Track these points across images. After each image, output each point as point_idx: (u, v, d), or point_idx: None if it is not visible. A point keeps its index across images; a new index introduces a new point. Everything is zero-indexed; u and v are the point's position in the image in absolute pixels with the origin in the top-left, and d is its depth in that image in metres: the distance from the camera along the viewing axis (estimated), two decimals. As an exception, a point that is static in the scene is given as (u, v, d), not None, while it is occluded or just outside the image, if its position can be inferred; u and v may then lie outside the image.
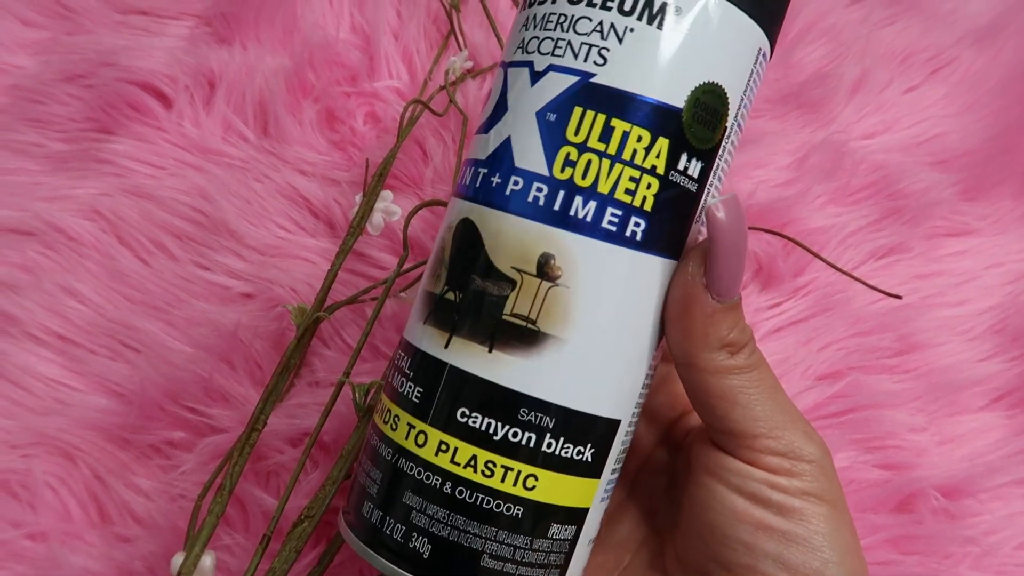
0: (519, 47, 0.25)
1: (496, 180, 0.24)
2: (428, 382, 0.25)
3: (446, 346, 0.24)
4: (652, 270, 0.24)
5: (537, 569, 0.25)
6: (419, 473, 0.24)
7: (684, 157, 0.24)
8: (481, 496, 0.24)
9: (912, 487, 0.38)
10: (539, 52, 0.24)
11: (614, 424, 0.25)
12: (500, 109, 0.25)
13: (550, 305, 0.23)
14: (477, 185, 0.25)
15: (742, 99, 0.25)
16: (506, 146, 0.24)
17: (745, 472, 0.25)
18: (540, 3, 0.25)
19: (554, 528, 0.25)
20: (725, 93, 0.24)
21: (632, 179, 0.23)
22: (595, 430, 0.25)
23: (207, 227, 0.44)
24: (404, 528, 0.24)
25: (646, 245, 0.24)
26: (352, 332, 0.42)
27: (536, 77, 0.24)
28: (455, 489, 0.24)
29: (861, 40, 0.51)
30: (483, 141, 0.26)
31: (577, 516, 0.25)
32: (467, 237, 0.25)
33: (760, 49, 0.25)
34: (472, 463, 0.24)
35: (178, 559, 0.32)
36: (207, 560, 0.32)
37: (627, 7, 0.23)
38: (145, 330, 0.41)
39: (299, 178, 0.46)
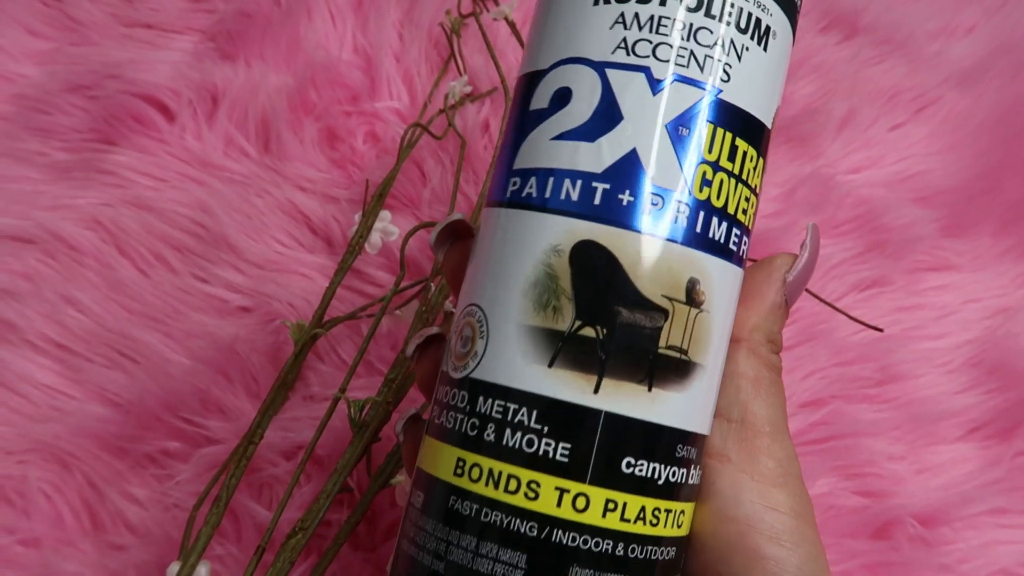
0: (621, 47, 0.23)
1: (626, 198, 0.22)
2: (577, 435, 0.22)
3: (596, 391, 0.22)
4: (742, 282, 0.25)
5: None
6: (586, 542, 0.21)
7: (763, 172, 0.25)
8: (651, 548, 0.22)
9: (889, 514, 0.39)
10: (656, 58, 0.23)
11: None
12: (607, 116, 0.22)
13: (698, 333, 0.23)
14: (596, 202, 0.22)
15: None
16: (631, 160, 0.22)
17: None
18: (640, 1, 0.23)
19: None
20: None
21: (746, 198, 0.24)
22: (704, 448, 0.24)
23: (207, 240, 0.45)
24: None
25: (745, 260, 0.25)
26: (347, 347, 0.42)
27: (657, 85, 0.22)
28: (627, 548, 0.22)
29: (849, 78, 0.52)
30: (587, 151, 0.22)
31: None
32: (598, 262, 0.22)
33: None
34: (642, 515, 0.22)
35: (174, 568, 0.32)
36: (203, 570, 0.32)
37: (743, 24, 0.23)
38: (143, 341, 0.42)
39: (299, 194, 0.46)
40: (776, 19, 0.24)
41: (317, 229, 0.46)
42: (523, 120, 0.24)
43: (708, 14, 0.23)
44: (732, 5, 0.23)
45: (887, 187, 0.49)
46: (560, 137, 0.23)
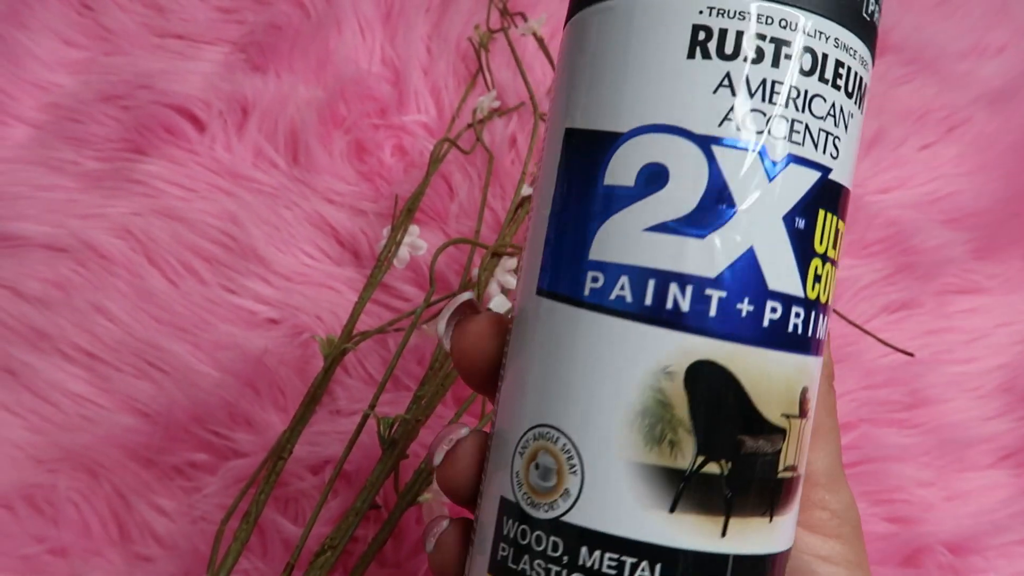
0: (729, 119, 0.19)
1: (745, 307, 0.19)
2: None
3: (723, 533, 0.19)
4: None
5: None
6: None
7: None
8: None
9: (919, 542, 0.39)
10: (770, 134, 0.19)
11: None
12: (719, 207, 0.19)
13: (803, 442, 0.20)
14: (711, 313, 0.18)
15: None
16: (749, 261, 0.19)
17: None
18: (749, 60, 0.19)
19: None
20: None
21: (831, 277, 0.21)
22: None
23: (235, 251, 0.45)
24: None
25: None
26: (373, 361, 0.42)
27: (773, 168, 0.19)
28: None
29: (878, 97, 0.52)
30: (697, 249, 0.19)
31: None
32: (719, 386, 0.19)
33: None
34: None
35: (202, 583, 0.32)
36: (231, 585, 0.32)
37: (851, 88, 0.20)
38: (172, 351, 0.42)
39: (327, 207, 0.47)
40: (870, 72, 0.21)
41: (345, 242, 0.46)
42: (594, 195, 0.20)
43: (822, 78, 0.19)
44: (843, 67, 0.20)
45: (916, 208, 0.49)
46: (658, 229, 0.19)
